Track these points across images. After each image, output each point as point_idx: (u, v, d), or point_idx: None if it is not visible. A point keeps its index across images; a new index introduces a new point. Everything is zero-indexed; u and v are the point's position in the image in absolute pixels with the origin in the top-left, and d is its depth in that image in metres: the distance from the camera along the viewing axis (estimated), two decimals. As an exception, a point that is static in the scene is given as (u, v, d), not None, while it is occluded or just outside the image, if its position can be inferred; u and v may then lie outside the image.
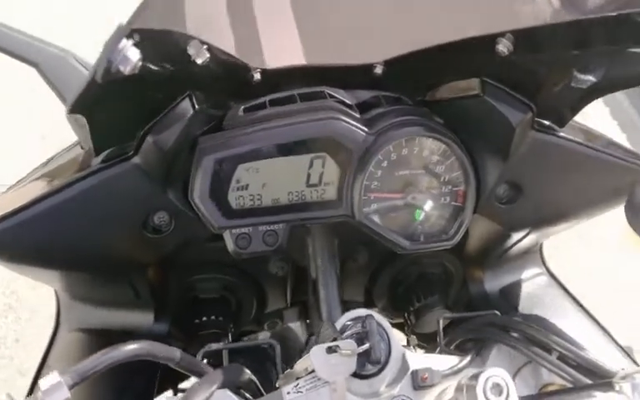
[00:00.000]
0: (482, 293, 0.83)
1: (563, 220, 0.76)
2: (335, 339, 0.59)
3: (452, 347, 0.70)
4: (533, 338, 0.59)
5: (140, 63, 0.52)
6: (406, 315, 0.86)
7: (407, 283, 0.87)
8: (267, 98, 0.69)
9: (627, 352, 0.72)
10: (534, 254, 0.86)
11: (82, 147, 0.69)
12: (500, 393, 0.52)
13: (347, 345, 0.58)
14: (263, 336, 0.94)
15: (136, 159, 0.63)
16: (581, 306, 0.83)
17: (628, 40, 0.58)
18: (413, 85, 0.73)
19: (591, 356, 0.57)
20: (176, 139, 0.62)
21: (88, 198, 0.64)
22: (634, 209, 0.53)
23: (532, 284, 0.84)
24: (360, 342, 0.59)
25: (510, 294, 0.83)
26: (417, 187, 0.70)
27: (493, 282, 0.83)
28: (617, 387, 0.52)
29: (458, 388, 0.55)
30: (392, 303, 0.89)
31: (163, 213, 0.69)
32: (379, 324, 0.60)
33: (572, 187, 0.72)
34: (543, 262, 0.87)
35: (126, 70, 0.51)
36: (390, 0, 0.76)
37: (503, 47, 0.62)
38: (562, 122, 0.68)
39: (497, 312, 0.67)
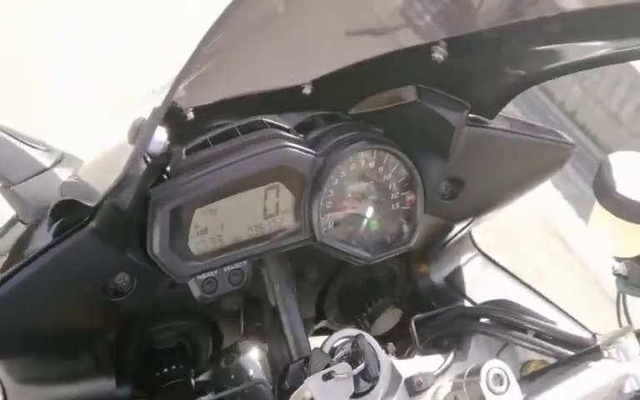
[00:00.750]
0: (430, 286, 0.87)
1: (501, 203, 0.81)
2: (328, 365, 0.59)
3: (424, 345, 0.73)
4: (509, 322, 0.64)
5: None
6: (359, 321, 0.88)
7: (357, 290, 0.89)
8: (208, 136, 0.68)
9: (575, 320, 0.78)
10: (466, 238, 0.91)
11: (22, 222, 0.64)
12: (501, 383, 0.55)
13: (343, 369, 0.59)
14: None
15: (93, 224, 0.60)
16: (515, 276, 0.89)
17: (549, 39, 0.64)
18: (345, 100, 0.74)
19: (564, 329, 0.62)
20: (133, 197, 0.60)
21: (46, 276, 0.59)
22: (602, 187, 0.58)
23: (470, 267, 0.89)
24: (352, 362, 0.60)
25: (454, 281, 0.87)
26: (369, 198, 0.71)
27: (438, 274, 0.88)
28: (605, 353, 0.57)
29: (456, 386, 0.58)
30: (344, 312, 0.90)
31: (123, 274, 0.65)
32: (368, 341, 0.61)
33: (508, 172, 0.78)
34: (474, 244, 0.93)
35: None
36: (316, 23, 0.77)
37: (439, 54, 0.66)
38: (492, 115, 0.73)
39: (465, 304, 0.71)
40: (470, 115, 0.72)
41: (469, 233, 0.92)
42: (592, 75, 2.97)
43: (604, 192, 0.58)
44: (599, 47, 0.65)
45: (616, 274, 0.65)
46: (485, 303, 0.75)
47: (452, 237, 0.84)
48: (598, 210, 0.59)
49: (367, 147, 0.70)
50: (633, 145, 2.83)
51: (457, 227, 0.81)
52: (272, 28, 0.80)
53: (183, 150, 0.67)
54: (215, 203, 0.65)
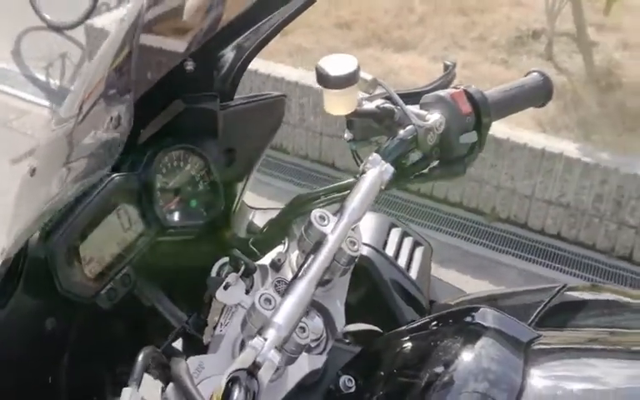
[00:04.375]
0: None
1: (260, 156, 1.16)
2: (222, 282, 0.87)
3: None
4: None
5: None
6: None
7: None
8: None
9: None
10: None
11: None
12: (324, 219, 0.88)
13: (233, 277, 0.87)
14: None
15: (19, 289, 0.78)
16: None
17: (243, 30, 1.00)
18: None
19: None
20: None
21: None
22: (319, 77, 0.93)
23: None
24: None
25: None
26: (189, 182, 1.00)
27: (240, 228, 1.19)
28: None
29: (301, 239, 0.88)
30: None
31: (51, 319, 0.84)
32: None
33: (255, 132, 1.13)
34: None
35: None
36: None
37: (190, 66, 0.98)
38: (231, 97, 1.07)
39: None
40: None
41: None
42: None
43: (320, 79, 0.95)
44: (273, 18, 1.01)
45: (348, 141, 1.04)
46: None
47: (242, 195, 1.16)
48: (324, 95, 0.96)
49: (167, 152, 0.98)
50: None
51: (239, 188, 1.14)
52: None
53: None
54: (90, 237, 0.88)
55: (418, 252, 1.18)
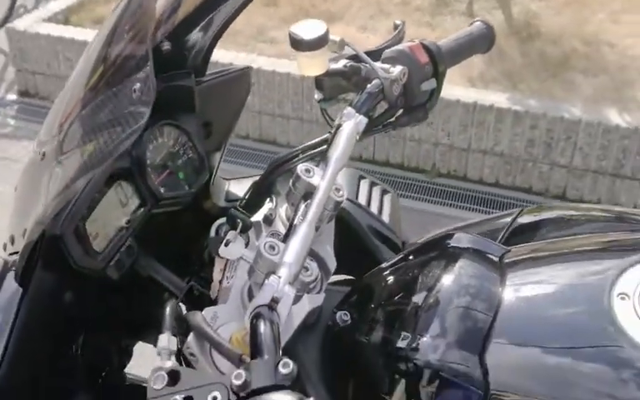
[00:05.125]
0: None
1: (232, 126, 1.24)
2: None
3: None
4: None
5: None
6: None
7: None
8: None
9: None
10: None
11: None
12: (309, 172, 0.97)
13: (232, 234, 0.96)
14: None
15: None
16: None
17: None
18: None
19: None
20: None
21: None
22: (292, 41, 1.01)
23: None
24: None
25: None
26: (175, 156, 1.07)
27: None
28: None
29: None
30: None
31: (69, 293, 0.90)
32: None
33: (226, 104, 1.20)
34: None
35: None
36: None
37: (166, 46, 1.04)
38: (204, 73, 1.15)
39: None
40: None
41: None
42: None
43: (294, 44, 1.03)
44: None
45: (319, 101, 1.13)
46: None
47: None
48: (298, 59, 1.04)
49: (152, 130, 1.05)
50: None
51: (217, 156, 1.21)
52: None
53: None
54: (93, 214, 0.94)
55: (387, 198, 1.29)
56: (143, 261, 1.04)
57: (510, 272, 0.92)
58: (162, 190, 1.04)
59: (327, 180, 0.92)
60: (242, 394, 0.69)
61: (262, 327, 0.76)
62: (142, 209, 1.01)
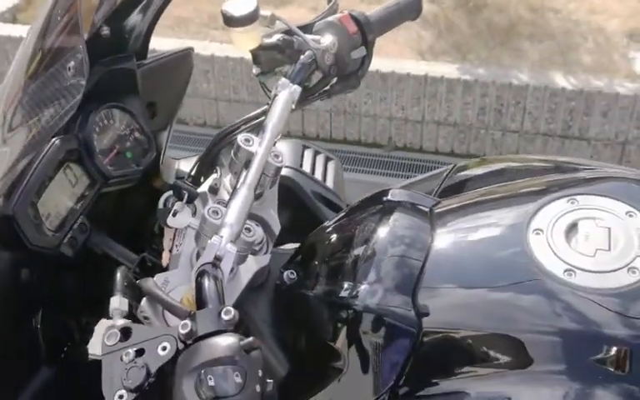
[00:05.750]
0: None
1: (177, 106, 1.29)
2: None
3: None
4: None
5: None
6: None
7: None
8: None
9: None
10: None
11: None
12: (250, 141, 1.04)
13: (179, 205, 1.02)
14: None
15: None
16: None
17: None
18: None
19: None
20: None
21: None
22: (224, 18, 1.08)
23: None
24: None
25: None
26: (122, 137, 1.12)
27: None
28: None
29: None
30: None
31: (25, 270, 0.95)
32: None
33: (169, 85, 1.26)
34: None
35: None
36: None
37: (105, 31, 1.09)
38: (145, 56, 1.20)
39: None
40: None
41: None
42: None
43: (226, 21, 1.10)
44: None
45: (257, 75, 1.19)
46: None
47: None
48: (231, 35, 1.11)
49: (97, 113, 1.10)
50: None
51: (165, 135, 1.27)
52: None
53: None
54: (44, 195, 0.99)
55: (330, 165, 1.36)
56: (96, 238, 1.10)
57: (439, 221, 1.00)
58: (110, 169, 1.09)
59: (264, 146, 0.98)
60: (188, 342, 0.75)
61: (207, 283, 0.83)
62: (92, 189, 1.06)
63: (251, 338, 0.73)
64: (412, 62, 3.52)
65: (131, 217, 1.22)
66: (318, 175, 1.32)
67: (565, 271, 0.86)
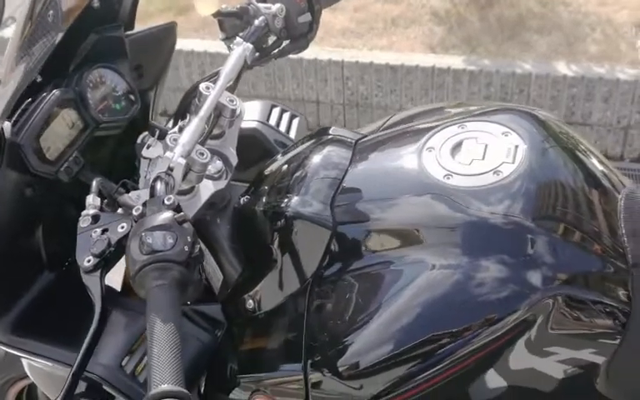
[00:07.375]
0: None
1: (165, 73, 1.56)
2: None
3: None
4: None
5: None
6: None
7: None
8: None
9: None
10: None
11: None
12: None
13: (153, 140, 1.28)
14: None
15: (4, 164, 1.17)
16: None
17: None
18: None
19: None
20: None
21: None
22: None
23: None
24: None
25: None
26: (112, 91, 1.39)
27: None
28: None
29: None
30: None
31: (29, 189, 1.23)
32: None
33: (154, 55, 1.52)
34: None
35: None
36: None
37: (96, 3, 1.37)
38: (132, 26, 1.47)
39: None
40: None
41: None
42: None
43: None
44: None
45: (222, 39, 1.45)
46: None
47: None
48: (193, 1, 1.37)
49: (91, 71, 1.37)
50: None
51: (152, 94, 1.54)
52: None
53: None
54: (45, 132, 1.27)
55: (295, 121, 1.61)
56: (88, 172, 1.37)
57: (359, 150, 1.25)
58: (100, 116, 1.36)
59: (217, 89, 1.24)
60: (139, 221, 1.01)
61: (159, 186, 1.08)
62: (85, 132, 1.34)
63: (182, 213, 0.98)
64: (420, 54, 3.74)
65: (124, 165, 1.50)
66: (283, 128, 1.57)
67: (444, 175, 1.09)
